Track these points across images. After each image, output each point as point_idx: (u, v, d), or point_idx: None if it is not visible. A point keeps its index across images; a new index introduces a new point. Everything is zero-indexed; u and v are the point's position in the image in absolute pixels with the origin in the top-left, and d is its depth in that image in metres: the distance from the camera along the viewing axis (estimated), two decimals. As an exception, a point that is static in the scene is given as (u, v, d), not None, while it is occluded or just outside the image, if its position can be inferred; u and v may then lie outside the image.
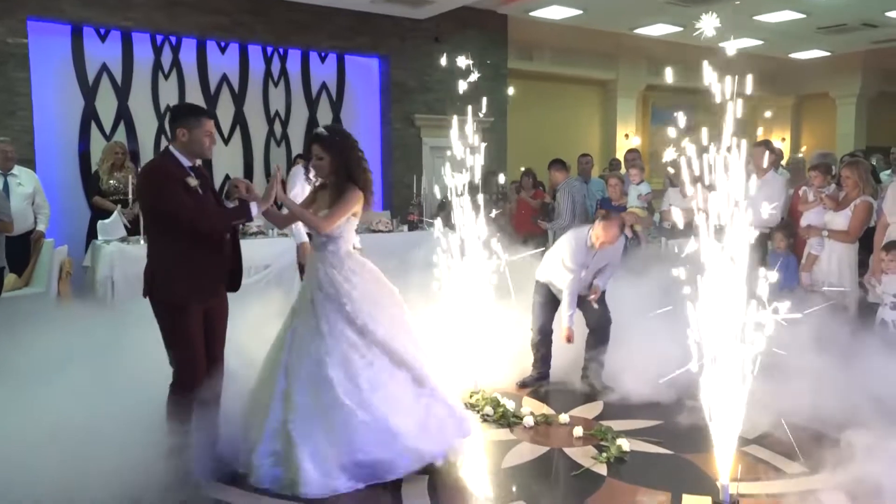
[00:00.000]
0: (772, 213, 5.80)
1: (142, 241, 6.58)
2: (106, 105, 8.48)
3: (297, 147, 9.68)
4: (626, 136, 13.09)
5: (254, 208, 3.37)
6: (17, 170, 6.62)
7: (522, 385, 5.01)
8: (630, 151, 8.72)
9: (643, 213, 6.81)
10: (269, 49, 9.49)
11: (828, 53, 13.42)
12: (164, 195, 3.19)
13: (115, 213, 6.90)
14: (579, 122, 12.95)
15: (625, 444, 3.82)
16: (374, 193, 3.68)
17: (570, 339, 4.71)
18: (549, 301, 4.96)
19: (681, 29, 11.20)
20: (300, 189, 5.42)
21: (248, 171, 9.46)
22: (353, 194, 3.52)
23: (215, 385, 3.40)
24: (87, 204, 7.94)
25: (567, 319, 4.72)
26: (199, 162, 3.40)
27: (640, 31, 11.68)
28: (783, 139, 15.03)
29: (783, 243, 5.84)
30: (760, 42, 12.00)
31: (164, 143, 8.68)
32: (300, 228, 5.57)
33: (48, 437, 3.13)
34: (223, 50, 9.19)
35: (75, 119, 8.31)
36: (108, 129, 8.48)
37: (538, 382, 5.03)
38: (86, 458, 3.03)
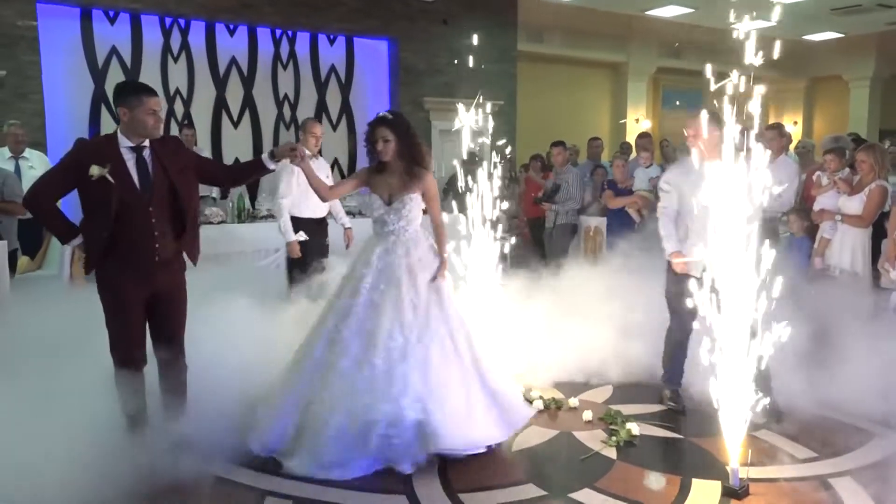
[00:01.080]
0: (784, 197, 5.80)
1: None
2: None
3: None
4: (637, 119, 13.00)
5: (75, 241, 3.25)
6: (28, 153, 6.63)
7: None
8: (641, 136, 8.66)
9: (650, 196, 6.77)
10: (278, 31, 9.46)
11: (841, 35, 13.25)
12: (58, 163, 3.30)
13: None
14: (589, 105, 12.88)
15: (634, 428, 3.83)
16: None
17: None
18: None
19: (693, 10, 11.07)
20: (285, 185, 5.42)
21: (258, 155, 9.44)
22: (431, 178, 3.73)
23: (176, 370, 3.43)
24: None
25: None
26: (146, 142, 3.26)
27: (652, 12, 11.56)
28: (795, 122, 14.89)
29: (796, 226, 5.80)
30: (773, 24, 11.84)
31: (173, 126, 8.69)
32: (289, 227, 5.52)
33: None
34: (232, 32, 9.16)
35: (85, 102, 8.33)
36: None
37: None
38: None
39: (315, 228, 5.68)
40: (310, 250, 5.55)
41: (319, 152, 5.65)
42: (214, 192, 8.11)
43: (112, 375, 3.30)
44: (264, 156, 3.53)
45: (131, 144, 3.21)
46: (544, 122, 11.56)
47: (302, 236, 5.54)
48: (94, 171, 3.10)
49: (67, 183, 3.20)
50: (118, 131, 3.24)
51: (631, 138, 11.97)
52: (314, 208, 5.62)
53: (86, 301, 4.76)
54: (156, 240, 3.26)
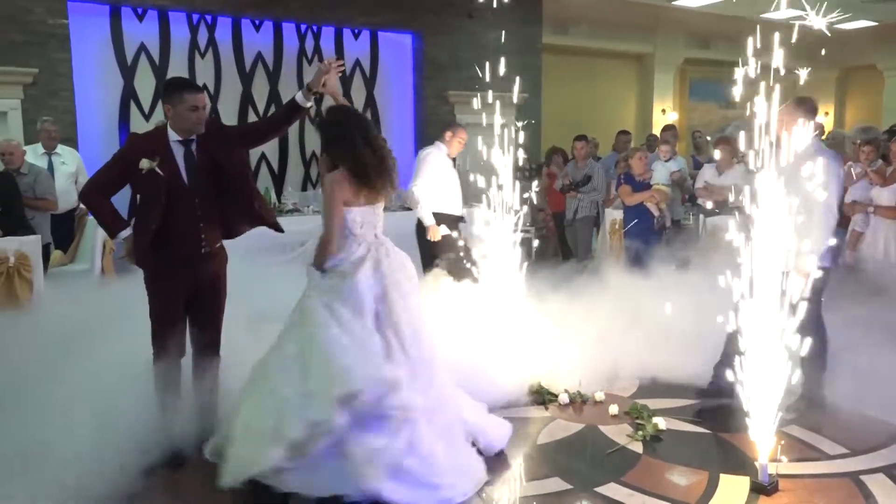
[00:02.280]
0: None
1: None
2: (144, 84, 8.59)
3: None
4: (663, 111, 12.86)
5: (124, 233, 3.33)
6: (60, 149, 6.77)
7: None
8: (666, 128, 8.57)
9: (668, 190, 6.68)
10: (303, 26, 9.50)
11: (875, 23, 12.94)
12: (112, 157, 3.37)
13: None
14: (615, 97, 12.75)
15: (661, 422, 3.80)
16: (376, 175, 3.18)
17: None
18: None
19: (721, 0, 10.90)
20: (418, 173, 5.64)
21: (283, 149, 9.54)
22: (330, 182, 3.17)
23: (211, 361, 3.48)
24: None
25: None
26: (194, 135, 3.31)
27: (679, 2, 11.40)
28: (826, 113, 14.61)
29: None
30: (803, 12, 11.62)
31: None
32: (428, 213, 5.58)
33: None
34: (257, 28, 9.22)
35: (115, 98, 8.44)
36: (146, 109, 8.60)
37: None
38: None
39: (452, 226, 5.61)
40: (442, 247, 5.48)
41: None
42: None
43: (149, 364, 3.38)
44: (298, 94, 3.50)
45: (179, 138, 3.28)
46: (569, 115, 11.47)
47: (444, 230, 5.54)
48: (144, 164, 3.19)
49: (119, 177, 3.29)
50: (167, 125, 3.32)
51: (658, 130, 11.88)
52: (454, 202, 5.72)
53: (117, 294, 4.90)
54: (202, 231, 3.36)
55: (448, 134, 5.82)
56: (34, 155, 6.62)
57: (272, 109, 9.41)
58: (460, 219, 5.81)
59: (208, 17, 8.86)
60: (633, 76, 13.03)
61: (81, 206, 6.79)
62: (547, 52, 11.25)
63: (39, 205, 5.71)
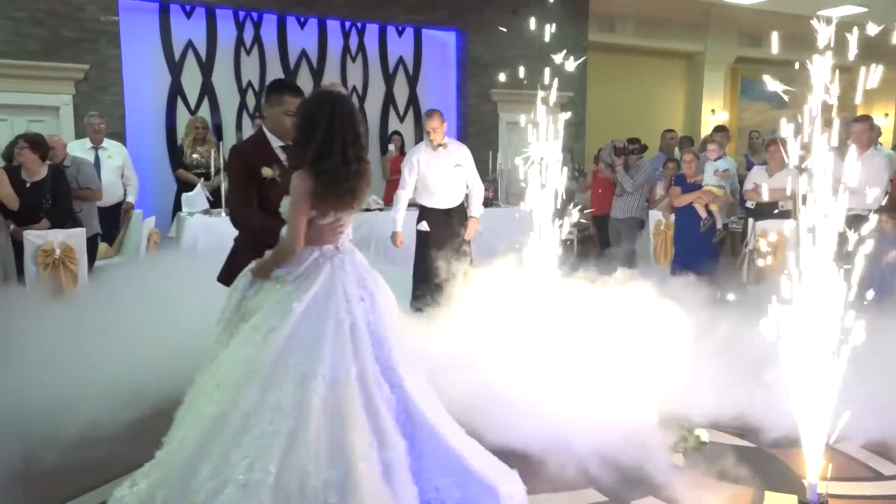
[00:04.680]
0: (871, 193, 5.46)
1: (223, 214, 6.76)
2: (191, 81, 8.71)
3: (374, 122, 9.74)
4: (713, 111, 12.53)
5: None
6: (106, 143, 6.90)
7: None
8: (718, 129, 8.30)
9: (720, 192, 6.46)
10: (348, 24, 9.51)
11: (940, 21, 12.39)
12: (229, 174, 3.24)
13: (198, 186, 7.11)
14: (663, 96, 12.47)
15: (704, 434, 3.66)
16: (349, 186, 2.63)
17: None
18: None
19: (775, -4, 10.55)
20: (403, 177, 5.52)
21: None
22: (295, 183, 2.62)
23: None
24: (174, 177, 8.21)
25: None
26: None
27: (731, -1, 11.09)
28: (886, 115, 14.05)
29: (890, 224, 5.44)
30: (864, 10, 11.17)
31: (245, 118, 8.88)
32: (397, 218, 5.52)
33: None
34: (302, 25, 9.27)
35: (162, 94, 8.59)
36: (192, 105, 8.73)
37: None
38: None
39: (442, 219, 5.56)
40: (434, 242, 5.42)
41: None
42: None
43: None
44: None
45: (282, 143, 3.12)
46: (615, 114, 11.26)
47: (424, 227, 5.55)
48: (267, 172, 3.04)
49: (253, 188, 3.06)
50: (264, 130, 3.18)
51: (707, 130, 11.57)
52: (440, 195, 5.59)
53: (156, 284, 4.96)
54: None
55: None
56: (82, 149, 6.77)
57: (315, 106, 9.45)
58: (451, 211, 5.64)
59: (254, 15, 8.95)
60: (682, 75, 12.72)
61: (127, 199, 7.00)
62: (593, 50, 11.05)
63: (84, 195, 5.83)
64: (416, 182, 5.57)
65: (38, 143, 5.47)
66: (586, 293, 4.55)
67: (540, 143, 4.80)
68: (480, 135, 10.27)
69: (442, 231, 5.50)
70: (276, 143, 3.15)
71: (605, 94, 11.37)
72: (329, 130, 2.54)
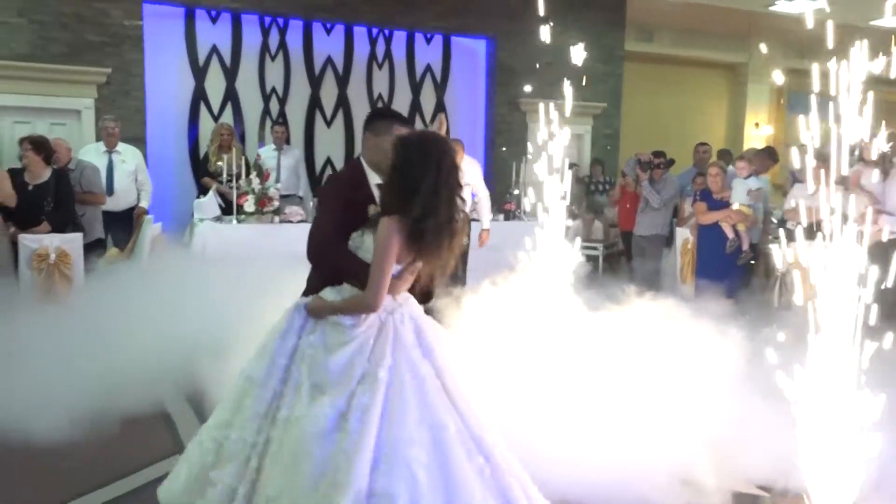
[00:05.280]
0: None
1: (234, 222, 6.64)
2: (215, 86, 8.67)
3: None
4: (757, 124, 11.99)
5: None
6: (121, 147, 6.86)
7: None
8: (765, 150, 7.74)
9: (748, 211, 6.04)
10: (375, 31, 9.37)
11: None
12: (321, 202, 2.82)
13: (211, 191, 7.01)
14: (703, 109, 11.99)
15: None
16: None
17: None
18: None
19: (824, 6, 10.00)
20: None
21: (350, 155, 9.42)
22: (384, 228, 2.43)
23: None
24: (195, 183, 8.15)
25: None
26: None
27: (777, 8, 10.58)
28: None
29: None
30: (922, 20, 10.54)
31: (268, 124, 8.76)
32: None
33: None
34: (328, 31, 9.15)
35: (186, 100, 8.56)
36: (216, 110, 8.68)
37: None
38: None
39: None
40: None
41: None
42: (301, 191, 8.12)
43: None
44: None
45: (379, 181, 2.69)
46: (652, 127, 10.84)
47: None
48: (372, 210, 2.64)
49: (346, 224, 2.63)
50: (363, 163, 2.77)
51: (750, 145, 11.05)
52: None
53: (149, 291, 4.84)
54: None
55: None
56: (97, 152, 6.74)
57: (339, 115, 9.33)
58: None
59: (280, 20, 8.87)
60: (724, 87, 12.21)
61: (140, 204, 6.93)
62: (630, 60, 10.69)
63: (87, 199, 5.76)
64: None
65: (41, 146, 5.42)
66: (583, 321, 4.25)
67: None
68: (509, 145, 9.98)
69: None
70: (374, 179, 2.71)
71: (642, 104, 10.98)
72: (437, 183, 2.36)
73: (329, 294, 2.54)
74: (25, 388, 3.68)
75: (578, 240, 4.71)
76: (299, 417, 2.36)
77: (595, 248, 8.25)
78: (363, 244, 2.50)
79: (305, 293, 2.66)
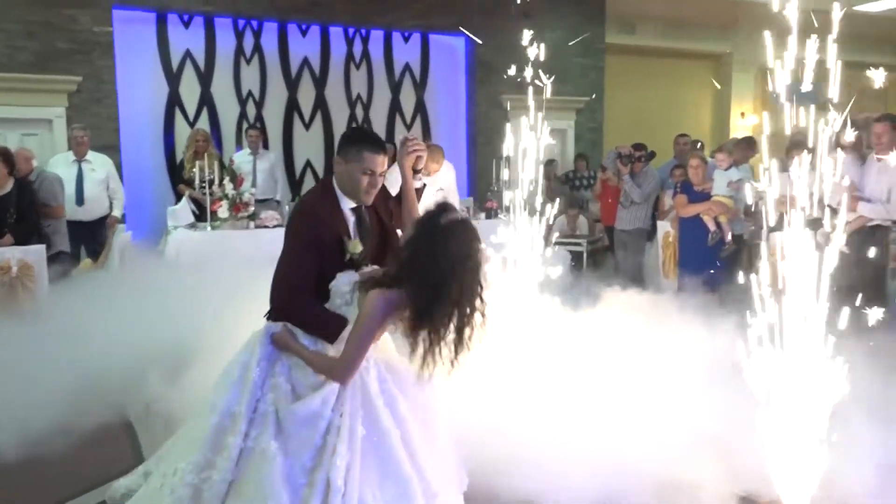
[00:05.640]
0: (893, 202, 4.98)
1: (208, 228, 6.53)
2: (189, 91, 8.55)
3: (381, 131, 9.42)
4: (742, 114, 11.89)
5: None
6: (90, 155, 6.74)
7: None
8: (743, 140, 7.64)
9: (730, 202, 5.93)
10: (351, 31, 9.25)
11: None
12: (291, 239, 2.52)
13: (184, 198, 6.89)
14: (688, 100, 11.88)
15: None
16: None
17: None
18: None
19: (806, -8, 9.90)
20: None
21: (329, 156, 9.30)
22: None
23: None
24: (173, 190, 8.03)
25: None
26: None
27: (759, -4, 10.48)
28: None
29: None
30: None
31: (245, 129, 8.63)
32: None
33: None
34: (304, 33, 9.04)
35: (160, 106, 8.43)
36: (191, 116, 8.56)
37: None
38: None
39: None
40: None
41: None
42: (279, 194, 8.00)
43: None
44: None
45: (352, 205, 2.58)
46: (636, 120, 10.73)
47: None
48: (352, 248, 2.51)
49: (316, 268, 2.46)
50: (335, 188, 2.59)
51: (736, 135, 10.93)
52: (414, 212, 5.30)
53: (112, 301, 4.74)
54: None
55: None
56: (66, 162, 6.63)
57: (318, 116, 9.22)
58: None
59: (254, 23, 8.75)
60: (708, 78, 12.10)
61: (113, 213, 6.82)
62: (611, 53, 10.58)
63: (43, 212, 5.62)
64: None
65: (6, 156, 5.31)
66: (561, 319, 4.15)
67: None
68: (491, 143, 9.85)
69: None
70: (347, 204, 2.57)
71: (625, 98, 10.88)
72: (450, 278, 2.20)
73: (301, 335, 2.42)
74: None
75: (556, 236, 4.62)
76: (264, 452, 2.28)
77: (579, 244, 8.14)
78: (352, 305, 2.38)
79: (271, 314, 2.53)
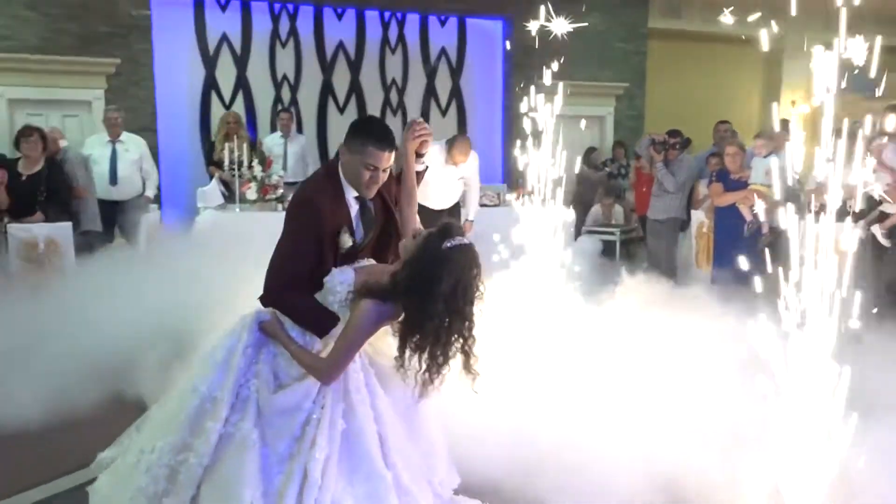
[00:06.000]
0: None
1: (237, 210, 6.58)
2: (226, 75, 8.63)
3: (415, 115, 9.35)
4: (793, 102, 11.40)
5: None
6: (124, 136, 6.85)
7: None
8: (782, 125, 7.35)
9: (767, 191, 5.67)
10: (387, 14, 9.19)
11: None
12: (290, 229, 2.44)
13: (214, 180, 6.96)
14: (735, 87, 11.44)
15: None
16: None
17: None
18: None
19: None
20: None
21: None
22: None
23: None
24: (208, 172, 8.12)
25: None
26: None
27: (813, -22, 10.01)
28: None
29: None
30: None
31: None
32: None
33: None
34: (340, 17, 9.01)
35: (196, 89, 8.54)
36: (227, 99, 8.64)
37: None
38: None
39: (435, 218, 5.33)
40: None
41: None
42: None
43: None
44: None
45: (355, 194, 2.52)
46: (679, 108, 10.39)
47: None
48: (346, 242, 2.46)
49: (313, 261, 2.39)
50: (340, 176, 2.50)
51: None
52: (434, 198, 5.40)
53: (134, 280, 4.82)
54: None
55: (450, 146, 5.75)
56: (99, 143, 6.75)
57: (352, 100, 9.20)
58: (443, 212, 5.57)
59: (290, 7, 8.77)
60: (758, 64, 11.64)
61: (146, 193, 6.93)
62: (654, 38, 10.28)
63: (76, 193, 5.73)
64: None
65: (43, 135, 5.44)
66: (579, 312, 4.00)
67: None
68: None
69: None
70: (350, 192, 2.50)
71: (668, 85, 10.54)
72: (446, 304, 2.20)
73: (290, 326, 2.38)
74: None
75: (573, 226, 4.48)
76: (243, 439, 2.26)
77: (612, 234, 7.94)
78: (345, 307, 2.33)
79: (264, 298, 2.47)
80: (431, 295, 2.17)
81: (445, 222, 2.31)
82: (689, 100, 10.67)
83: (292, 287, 2.40)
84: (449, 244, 2.20)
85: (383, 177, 2.47)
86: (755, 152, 5.88)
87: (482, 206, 7.02)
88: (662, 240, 6.69)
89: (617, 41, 10.04)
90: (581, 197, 9.23)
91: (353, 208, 2.51)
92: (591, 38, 10.18)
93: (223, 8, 8.52)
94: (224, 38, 8.56)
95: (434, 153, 5.51)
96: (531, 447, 3.07)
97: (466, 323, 2.25)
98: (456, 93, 9.67)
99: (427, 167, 2.93)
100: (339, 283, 2.36)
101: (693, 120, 9.03)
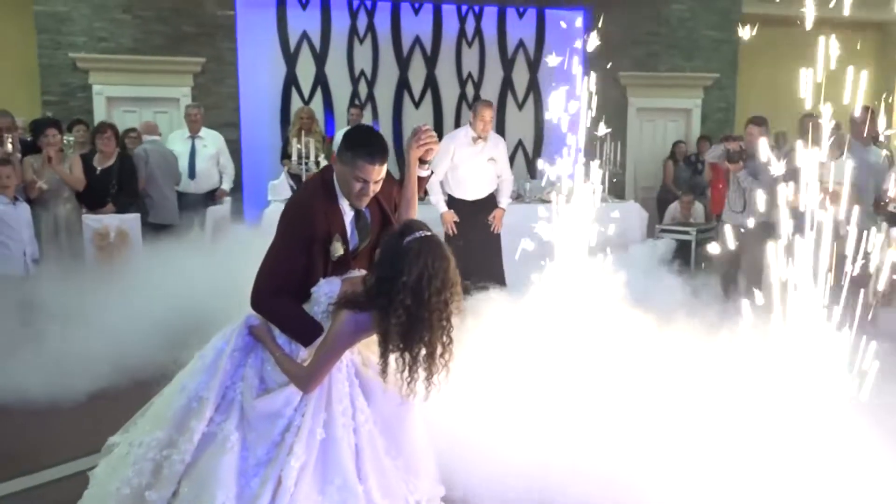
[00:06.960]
0: None
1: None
2: (305, 71, 8.89)
3: (491, 109, 9.29)
4: (907, 93, 10.43)
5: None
6: (203, 132, 7.21)
7: None
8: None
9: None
10: (464, 8, 9.16)
11: None
12: (280, 233, 2.44)
13: (283, 173, 7.19)
14: (841, 77, 10.59)
15: None
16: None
17: None
18: None
19: None
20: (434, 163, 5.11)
21: (439, 135, 9.31)
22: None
23: None
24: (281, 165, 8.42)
25: None
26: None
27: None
28: None
29: None
30: None
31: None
32: (438, 199, 5.42)
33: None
34: (417, 11, 9.08)
35: (277, 85, 8.85)
36: (306, 95, 8.90)
37: None
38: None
39: (470, 210, 5.49)
40: (459, 234, 5.40)
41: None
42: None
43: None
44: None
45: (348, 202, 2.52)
46: (775, 98, 9.74)
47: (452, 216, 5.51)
48: (338, 250, 2.45)
49: (303, 265, 2.40)
50: (335, 184, 2.49)
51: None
52: (468, 186, 5.47)
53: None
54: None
55: (472, 114, 5.58)
56: (180, 138, 7.15)
57: (428, 95, 9.25)
58: (478, 203, 5.55)
59: (368, 3, 8.92)
60: (868, 50, 10.72)
61: (222, 186, 7.27)
62: (749, 24, 9.65)
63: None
64: (446, 170, 5.42)
65: (116, 132, 5.82)
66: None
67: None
68: (606, 123, 9.38)
69: (468, 223, 5.40)
70: (344, 199, 2.48)
71: (762, 74, 9.91)
72: (415, 300, 2.20)
73: (278, 333, 2.42)
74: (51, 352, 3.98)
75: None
76: (224, 441, 2.31)
77: (688, 234, 7.56)
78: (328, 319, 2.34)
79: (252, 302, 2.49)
80: (397, 289, 2.17)
81: (406, 220, 2.29)
82: (787, 91, 9.96)
83: (279, 293, 2.41)
84: (408, 238, 2.19)
85: (375, 188, 2.44)
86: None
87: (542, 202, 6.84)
88: (749, 247, 6.06)
89: (706, 28, 9.54)
90: (665, 194, 8.87)
91: (348, 215, 2.50)
92: (676, 26, 9.78)
93: (304, 6, 8.78)
94: (304, 36, 8.82)
95: (459, 136, 5.51)
96: (542, 468, 2.98)
97: (440, 315, 2.21)
98: (533, 86, 9.52)
99: (432, 172, 2.90)
100: (325, 294, 2.38)
101: (790, 114, 8.44)
